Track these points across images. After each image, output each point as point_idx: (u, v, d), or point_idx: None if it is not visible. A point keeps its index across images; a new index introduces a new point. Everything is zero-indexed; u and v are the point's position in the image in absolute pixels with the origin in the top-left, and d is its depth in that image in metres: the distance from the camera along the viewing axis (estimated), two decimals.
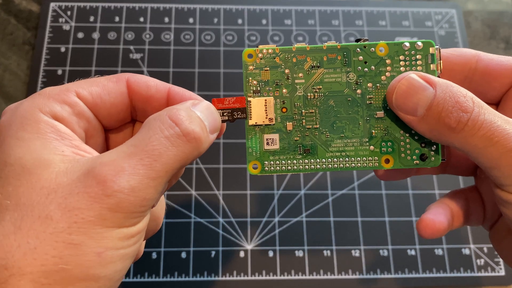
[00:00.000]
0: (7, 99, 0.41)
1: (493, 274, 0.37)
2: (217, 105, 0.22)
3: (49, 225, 0.16)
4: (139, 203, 0.17)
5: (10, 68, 0.43)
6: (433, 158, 0.22)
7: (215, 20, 0.45)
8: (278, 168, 0.23)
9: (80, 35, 0.44)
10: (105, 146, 0.22)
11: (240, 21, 0.45)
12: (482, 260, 0.38)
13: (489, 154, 0.19)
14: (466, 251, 0.38)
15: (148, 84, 0.21)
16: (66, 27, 0.44)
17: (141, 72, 0.42)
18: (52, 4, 0.45)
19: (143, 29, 0.44)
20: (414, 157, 0.22)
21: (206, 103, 0.21)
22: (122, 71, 0.42)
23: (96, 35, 0.44)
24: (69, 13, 0.44)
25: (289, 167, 0.23)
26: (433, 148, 0.22)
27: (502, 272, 0.37)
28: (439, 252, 0.38)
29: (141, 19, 0.45)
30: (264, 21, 0.46)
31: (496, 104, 0.24)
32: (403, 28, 0.46)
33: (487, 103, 0.24)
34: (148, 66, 0.43)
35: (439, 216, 0.24)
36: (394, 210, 0.39)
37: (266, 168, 0.23)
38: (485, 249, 0.38)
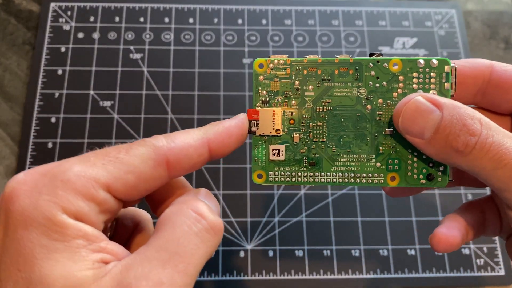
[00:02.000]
0: (7, 99, 0.41)
1: (493, 274, 0.37)
2: (251, 116, 0.22)
3: None
4: None
5: (10, 68, 0.43)
6: (440, 178, 0.22)
7: (215, 20, 0.45)
8: (282, 179, 0.23)
9: (80, 35, 0.44)
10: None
11: (240, 21, 0.45)
12: (482, 260, 0.38)
13: (498, 176, 0.19)
14: (466, 251, 0.38)
15: (189, 154, 0.19)
16: (66, 27, 0.44)
17: (141, 72, 0.42)
18: (52, 4, 0.45)
19: (143, 29, 0.44)
20: (421, 176, 0.22)
21: (204, 190, 0.20)
22: (122, 71, 0.42)
23: (96, 35, 0.44)
24: (69, 13, 0.44)
25: (294, 179, 0.23)
26: (441, 169, 0.22)
27: (502, 272, 0.37)
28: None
29: (141, 19, 0.45)
30: (264, 21, 0.46)
31: (510, 115, 0.24)
32: (403, 28, 0.46)
33: (501, 114, 0.24)
34: (148, 66, 0.43)
35: (452, 230, 0.23)
36: (394, 210, 0.39)
37: (271, 178, 0.23)
38: (485, 249, 0.38)
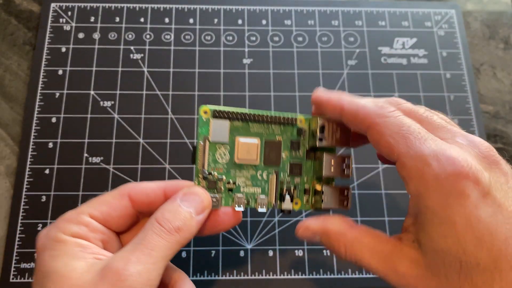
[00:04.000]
0: (8, 99, 0.42)
1: None
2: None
3: None
4: (145, 282, 0.22)
5: (11, 68, 0.43)
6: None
7: (215, 20, 0.45)
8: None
9: (81, 35, 0.44)
10: (121, 246, 0.26)
11: (240, 21, 0.46)
12: None
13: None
14: None
15: (147, 192, 0.26)
16: (66, 27, 0.44)
17: (142, 73, 0.43)
18: (52, 5, 0.45)
19: (143, 30, 0.44)
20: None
21: (190, 191, 0.25)
22: (122, 72, 0.42)
23: (96, 36, 0.44)
24: (69, 13, 0.45)
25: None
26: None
27: None
28: None
29: (142, 20, 0.45)
30: (264, 22, 0.46)
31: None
32: (402, 28, 0.46)
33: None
34: (148, 67, 0.43)
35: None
36: (393, 210, 0.39)
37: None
38: None
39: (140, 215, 0.27)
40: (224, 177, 0.26)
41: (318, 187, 0.27)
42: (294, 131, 0.27)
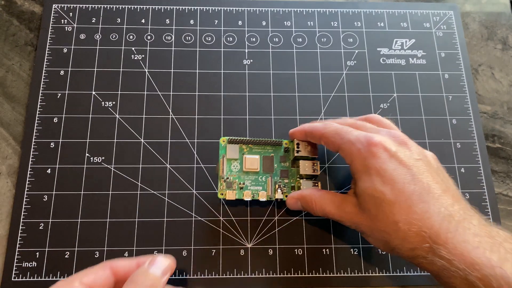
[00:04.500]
0: (10, 99, 0.42)
1: None
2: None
3: None
4: None
5: (12, 69, 0.43)
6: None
7: (216, 21, 0.46)
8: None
9: (82, 36, 0.44)
10: None
11: (240, 22, 0.46)
12: None
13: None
14: None
15: (123, 264, 0.31)
16: (68, 28, 0.44)
17: (143, 73, 0.43)
18: (54, 6, 0.45)
19: (144, 30, 0.45)
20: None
21: (155, 258, 0.31)
22: (123, 72, 0.43)
23: (98, 36, 0.44)
24: (71, 14, 0.45)
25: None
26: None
27: None
28: None
29: (143, 21, 0.45)
30: (264, 23, 0.46)
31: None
32: (401, 29, 0.47)
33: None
34: (149, 68, 0.43)
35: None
36: None
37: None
38: None
39: (116, 286, 0.32)
40: (237, 180, 0.38)
41: (298, 183, 0.38)
42: (281, 150, 0.39)
